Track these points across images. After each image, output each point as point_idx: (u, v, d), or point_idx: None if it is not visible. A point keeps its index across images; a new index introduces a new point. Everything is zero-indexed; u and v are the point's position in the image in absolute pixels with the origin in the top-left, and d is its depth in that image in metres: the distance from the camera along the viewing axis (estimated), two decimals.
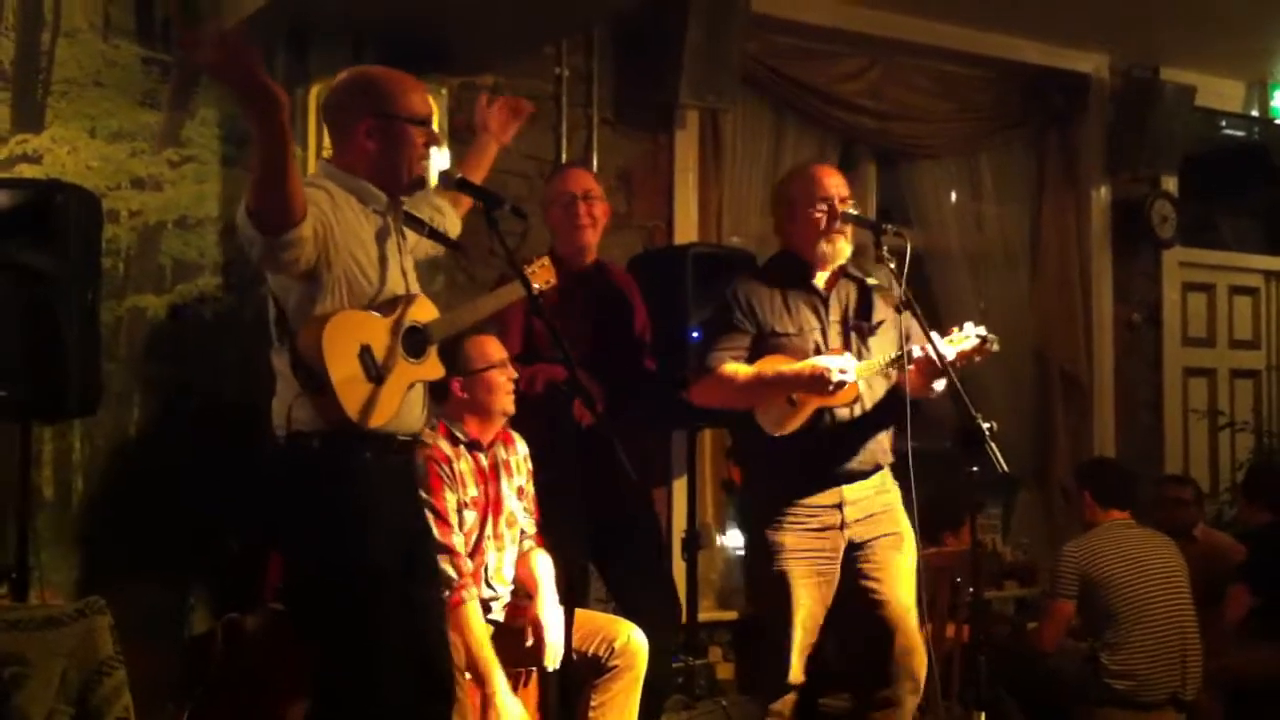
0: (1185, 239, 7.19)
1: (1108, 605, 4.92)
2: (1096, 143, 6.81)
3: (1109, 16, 6.21)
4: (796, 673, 3.94)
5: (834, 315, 4.03)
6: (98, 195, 4.19)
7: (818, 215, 3.99)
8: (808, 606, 3.93)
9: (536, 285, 3.39)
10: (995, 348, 3.96)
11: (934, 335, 3.86)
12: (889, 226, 4.07)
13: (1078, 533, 5.32)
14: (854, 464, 3.97)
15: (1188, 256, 7.30)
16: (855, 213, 4.08)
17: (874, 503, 4.01)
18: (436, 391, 3.85)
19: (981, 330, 3.93)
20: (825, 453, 3.93)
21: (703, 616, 5.17)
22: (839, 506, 3.94)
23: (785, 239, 4.13)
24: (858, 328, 4.05)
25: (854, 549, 3.98)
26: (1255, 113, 7.37)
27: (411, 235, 3.34)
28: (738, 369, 3.96)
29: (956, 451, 3.94)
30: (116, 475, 4.39)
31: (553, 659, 3.84)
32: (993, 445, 3.76)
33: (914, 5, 6.01)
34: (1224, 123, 7.34)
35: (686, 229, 5.57)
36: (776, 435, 3.93)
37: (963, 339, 3.92)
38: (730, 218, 5.74)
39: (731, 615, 5.59)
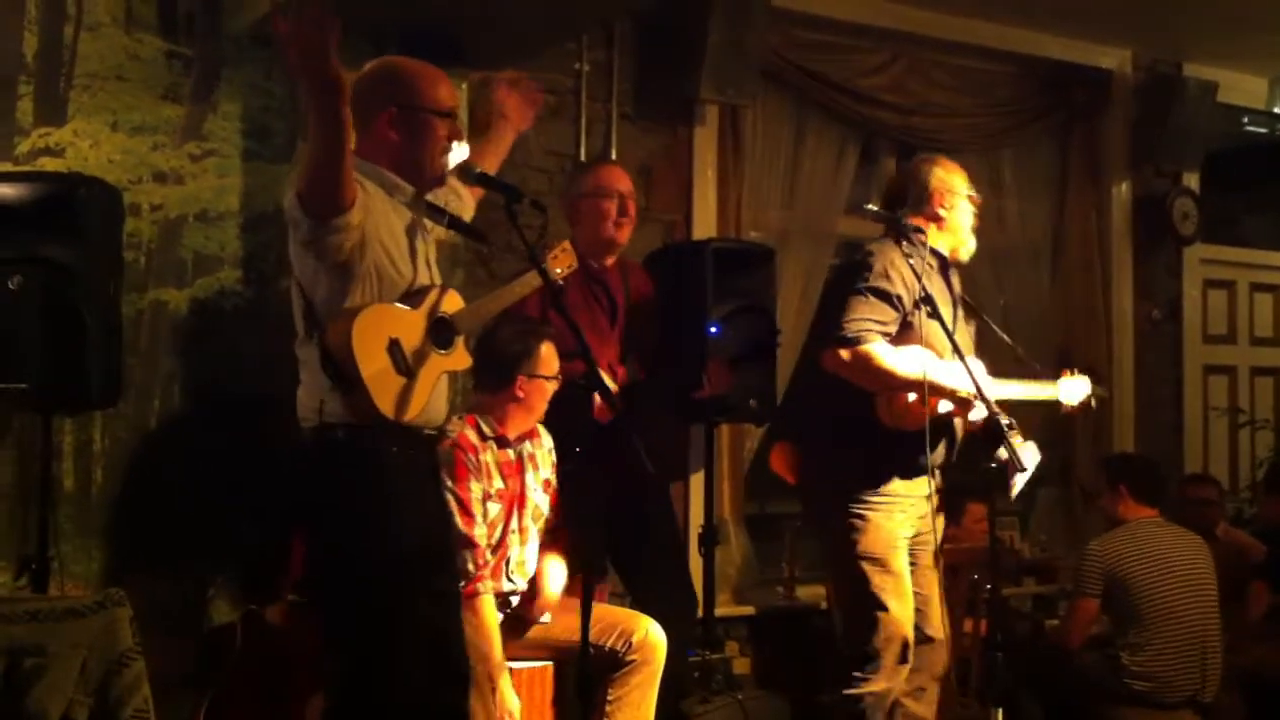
0: (1207, 235, 7.16)
1: (1132, 605, 4.88)
2: (1119, 138, 6.78)
3: (1132, 12, 6.18)
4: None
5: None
6: (119, 189, 4.20)
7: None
8: (896, 594, 4.06)
9: (558, 270, 3.40)
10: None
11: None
12: (908, 222, 4.10)
13: (1098, 529, 5.30)
14: (933, 459, 4.07)
15: (1209, 253, 7.27)
16: (875, 208, 4.10)
17: (923, 501, 4.11)
18: (484, 382, 3.88)
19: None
20: (920, 446, 3.98)
21: (720, 611, 5.16)
22: (927, 498, 4.08)
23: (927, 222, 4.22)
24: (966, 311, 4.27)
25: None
26: (1277, 110, 7.32)
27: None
28: (885, 350, 3.98)
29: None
30: (137, 467, 4.40)
31: (543, 610, 3.93)
32: (1011, 441, 3.77)
33: (936, 0, 5.99)
34: (1246, 119, 7.31)
35: (706, 223, 5.56)
36: (892, 427, 3.99)
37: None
38: (750, 212, 5.72)
39: (749, 610, 5.59)
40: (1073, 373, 4.44)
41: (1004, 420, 3.84)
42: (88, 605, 3.42)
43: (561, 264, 3.49)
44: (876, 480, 4.08)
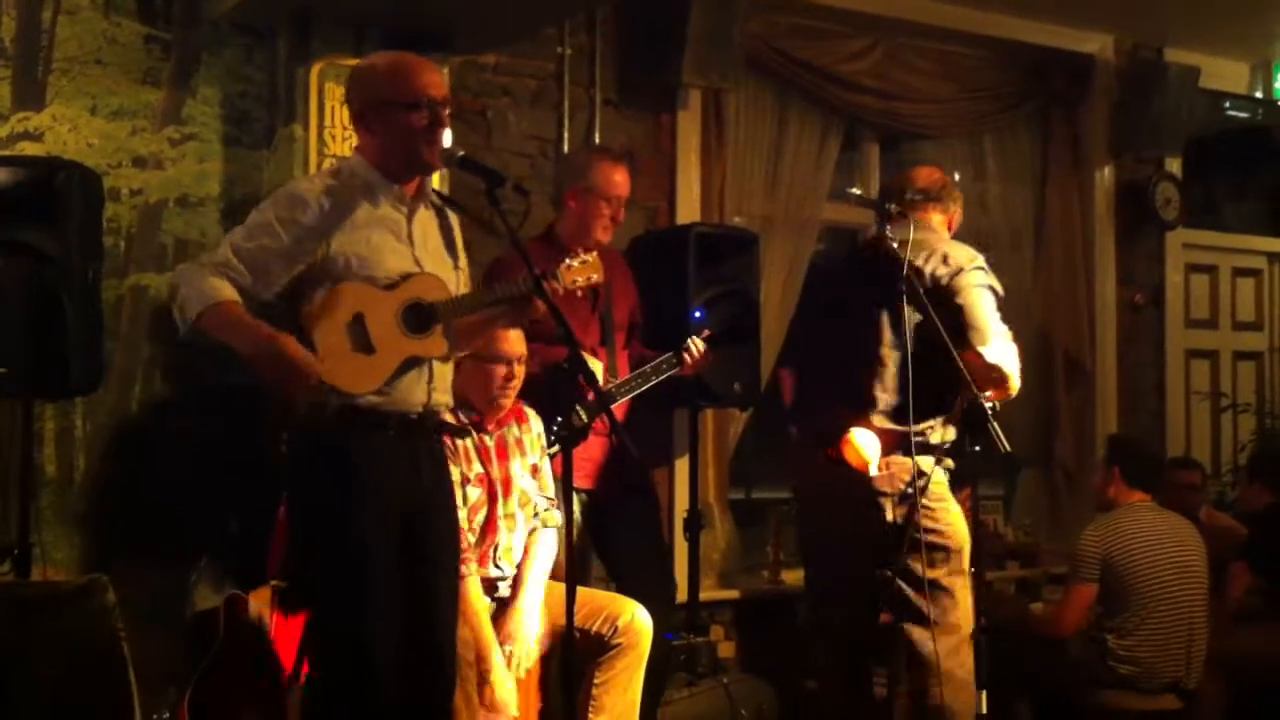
0: (1189, 221, 7.16)
1: (1124, 590, 4.87)
2: (1100, 124, 6.79)
3: None
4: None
5: None
6: (99, 173, 4.19)
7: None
8: None
9: (579, 280, 3.34)
10: None
11: None
12: (892, 207, 4.11)
13: (1081, 513, 5.31)
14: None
15: (1191, 238, 7.28)
16: (859, 192, 4.11)
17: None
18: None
19: None
20: None
21: (704, 595, 5.17)
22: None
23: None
24: None
25: None
26: (1259, 94, 7.34)
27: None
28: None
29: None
30: (119, 453, 4.39)
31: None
32: (995, 425, 3.77)
33: None
34: (1228, 104, 7.30)
35: (689, 209, 5.55)
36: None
37: None
38: (732, 198, 5.71)
39: (733, 595, 5.60)
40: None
41: (987, 404, 3.84)
42: (71, 591, 3.42)
43: (580, 275, 3.38)
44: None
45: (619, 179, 4.37)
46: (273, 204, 3.20)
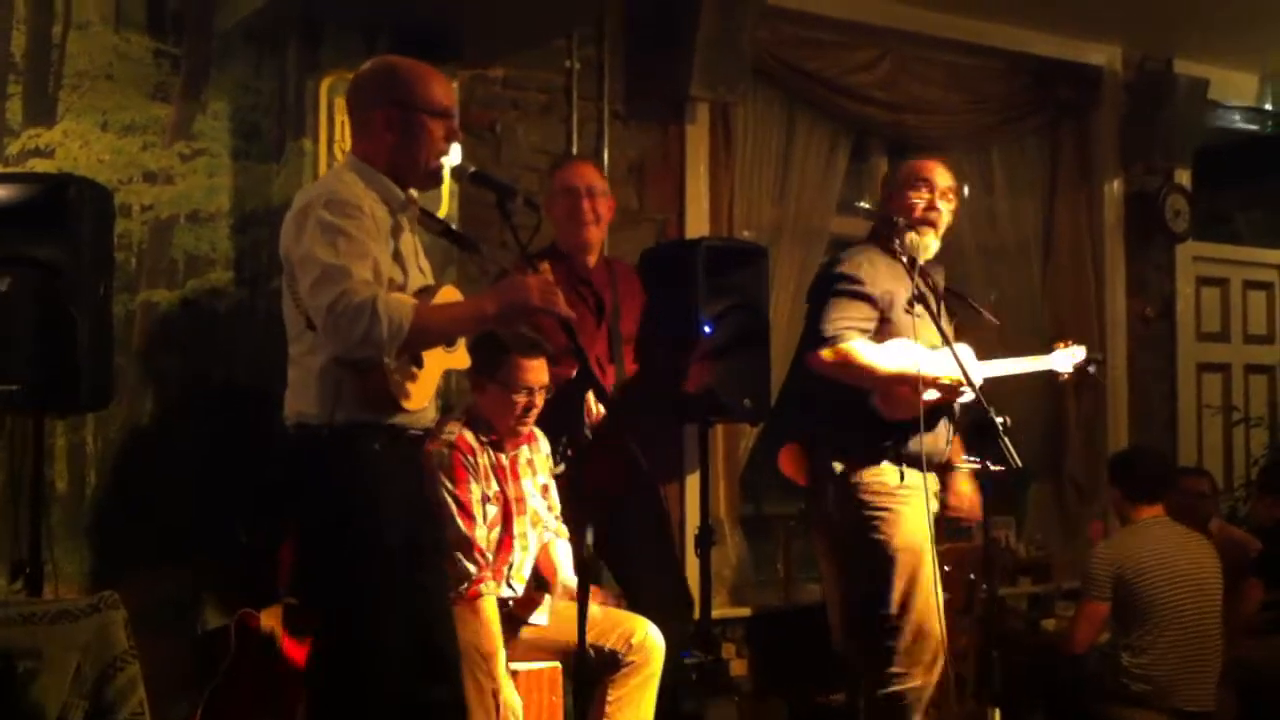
0: (1199, 233, 7.16)
1: (1138, 606, 4.82)
2: (1109, 136, 6.78)
3: (1122, 9, 6.19)
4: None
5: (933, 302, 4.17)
6: (110, 189, 4.19)
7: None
8: (927, 589, 4.04)
9: None
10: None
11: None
12: (900, 220, 4.11)
13: (1106, 529, 5.27)
14: (947, 454, 4.15)
15: (1201, 250, 7.27)
16: (868, 205, 4.11)
17: (933, 498, 4.15)
18: (475, 384, 3.88)
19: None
20: (932, 440, 4.04)
21: (716, 613, 5.13)
22: (938, 494, 4.13)
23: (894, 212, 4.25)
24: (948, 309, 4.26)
25: None
26: (1268, 106, 7.34)
27: None
28: (865, 347, 4.00)
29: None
30: (129, 469, 4.38)
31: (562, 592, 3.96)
32: (1006, 439, 3.76)
33: None
34: (1237, 116, 7.30)
35: (698, 222, 5.55)
36: (890, 420, 4.00)
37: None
38: (741, 210, 5.71)
39: (745, 611, 5.57)
40: (1066, 344, 4.45)
41: (998, 419, 3.83)
42: (82, 608, 3.41)
43: None
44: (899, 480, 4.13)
45: (581, 170, 4.47)
46: (335, 214, 3.03)
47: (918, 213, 4.20)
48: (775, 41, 5.76)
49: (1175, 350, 7.08)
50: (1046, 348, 4.57)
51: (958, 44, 6.30)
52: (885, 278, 4.14)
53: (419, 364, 3.09)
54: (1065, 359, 4.41)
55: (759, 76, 5.69)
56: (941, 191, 4.25)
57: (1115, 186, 6.84)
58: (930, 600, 4.08)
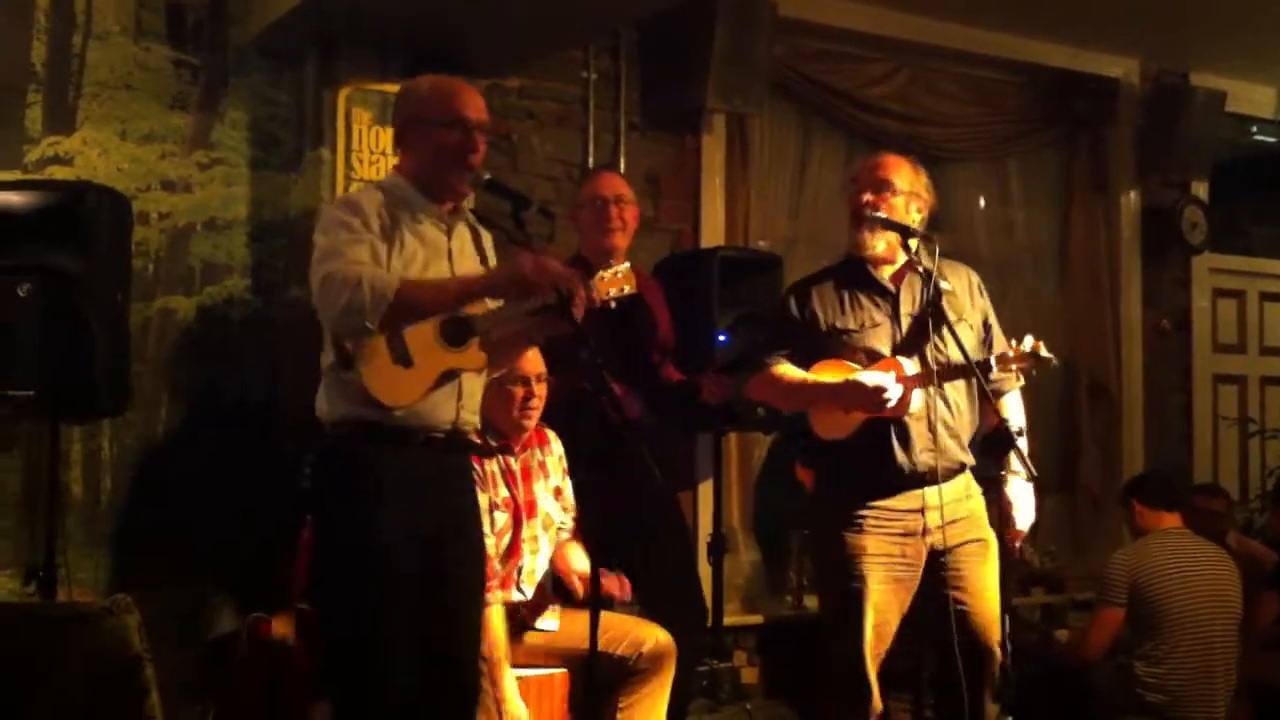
0: (1215, 245, 7.14)
1: (1153, 616, 4.79)
2: (1126, 148, 6.78)
3: (1138, 21, 6.18)
4: (870, 678, 3.84)
5: (905, 309, 3.93)
6: (128, 197, 4.22)
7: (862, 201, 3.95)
8: (883, 613, 3.84)
9: (611, 291, 3.31)
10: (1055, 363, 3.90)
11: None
12: (915, 230, 4.06)
13: (1106, 538, 5.27)
14: (935, 467, 3.83)
15: (1218, 263, 7.25)
16: (884, 216, 4.05)
17: (958, 508, 3.87)
18: None
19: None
20: (902, 454, 3.83)
21: (728, 620, 5.15)
22: (921, 511, 3.84)
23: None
24: (933, 322, 3.92)
25: (937, 555, 3.85)
26: None
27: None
28: (785, 371, 3.94)
29: None
30: (145, 475, 4.41)
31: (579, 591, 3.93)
32: (1021, 450, 3.74)
33: (941, 9, 5.99)
34: (1254, 128, 7.29)
35: (713, 232, 5.57)
36: (826, 439, 3.92)
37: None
38: (757, 221, 5.73)
39: (757, 619, 5.58)
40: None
41: (1014, 427, 3.81)
42: (96, 611, 3.41)
43: (613, 285, 3.36)
44: (861, 498, 3.88)
45: (609, 180, 4.48)
46: (341, 210, 3.17)
47: (853, 207, 4.05)
48: (791, 54, 5.78)
49: (1191, 362, 7.06)
50: (1061, 374, 4.44)
51: (974, 56, 6.31)
52: (820, 301, 3.95)
53: (406, 363, 3.10)
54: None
55: (775, 88, 5.71)
56: (875, 185, 3.95)
57: (1132, 198, 6.83)
58: (875, 634, 3.84)
